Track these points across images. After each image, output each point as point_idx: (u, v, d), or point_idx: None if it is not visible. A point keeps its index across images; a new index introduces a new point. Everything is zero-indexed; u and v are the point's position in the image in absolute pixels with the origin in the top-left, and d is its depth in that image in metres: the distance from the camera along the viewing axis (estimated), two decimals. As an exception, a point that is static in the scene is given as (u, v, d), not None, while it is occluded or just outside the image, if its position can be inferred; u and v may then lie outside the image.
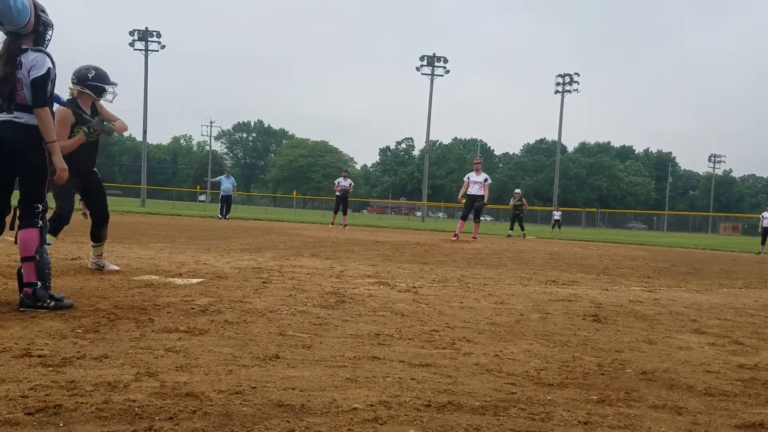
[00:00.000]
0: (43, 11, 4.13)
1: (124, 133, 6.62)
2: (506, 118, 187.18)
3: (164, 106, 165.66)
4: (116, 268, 6.12)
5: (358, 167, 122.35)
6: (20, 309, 3.91)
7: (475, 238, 17.05)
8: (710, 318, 5.18)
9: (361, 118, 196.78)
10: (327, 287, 5.68)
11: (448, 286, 6.39)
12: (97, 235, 6.08)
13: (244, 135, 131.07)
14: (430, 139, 60.11)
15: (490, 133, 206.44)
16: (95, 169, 6.11)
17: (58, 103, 5.44)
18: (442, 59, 56.01)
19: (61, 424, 2.07)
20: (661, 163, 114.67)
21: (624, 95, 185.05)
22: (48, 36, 4.19)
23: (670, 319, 5.01)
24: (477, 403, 2.52)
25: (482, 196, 16.35)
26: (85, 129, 5.61)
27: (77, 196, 6.41)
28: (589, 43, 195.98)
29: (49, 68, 4.03)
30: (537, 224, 57.10)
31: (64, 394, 2.35)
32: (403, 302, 5.07)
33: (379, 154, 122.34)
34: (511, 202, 25.59)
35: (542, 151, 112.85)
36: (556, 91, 60.38)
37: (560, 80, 60.29)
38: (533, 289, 6.51)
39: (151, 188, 62.85)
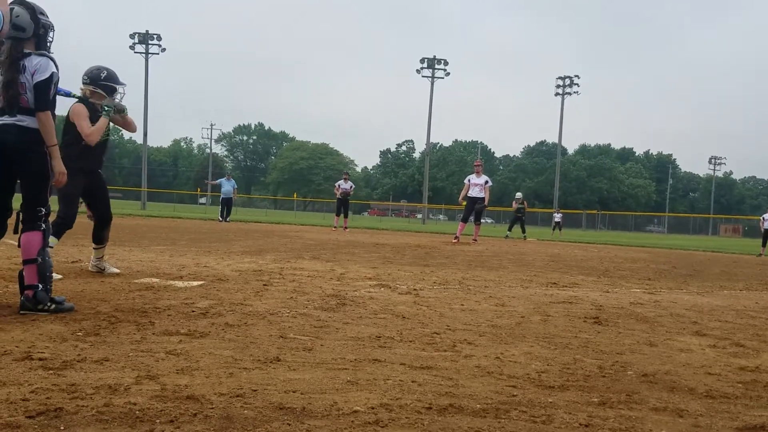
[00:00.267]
0: (42, 14, 4.14)
1: (125, 136, 6.65)
2: (507, 119, 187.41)
3: (164, 109, 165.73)
4: (117, 270, 6.12)
5: (358, 169, 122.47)
6: (21, 312, 3.91)
7: (475, 240, 17.04)
8: (711, 320, 5.17)
9: (362, 120, 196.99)
10: (328, 290, 5.68)
11: (449, 288, 6.39)
12: (99, 236, 6.08)
13: (245, 137, 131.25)
14: (431, 141, 60.11)
15: (490, 135, 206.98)
16: (100, 170, 6.12)
17: (66, 96, 5.48)
18: (443, 61, 56.04)
19: (62, 427, 2.07)
20: (662, 165, 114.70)
21: (624, 97, 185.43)
22: (50, 38, 4.21)
23: (670, 321, 5.01)
24: (478, 405, 2.52)
25: (483, 199, 16.35)
26: (105, 110, 5.63)
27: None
28: (589, 45, 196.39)
29: (52, 72, 4.05)
30: (537, 226, 57.09)
31: (64, 397, 2.35)
32: (403, 305, 5.07)
33: (380, 157, 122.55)
34: (514, 205, 25.62)
35: (543, 153, 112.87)
36: (557, 94, 60.41)
37: (560, 82, 60.33)
38: (534, 291, 6.51)
39: (152, 191, 62.90)
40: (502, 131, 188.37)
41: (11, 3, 4.07)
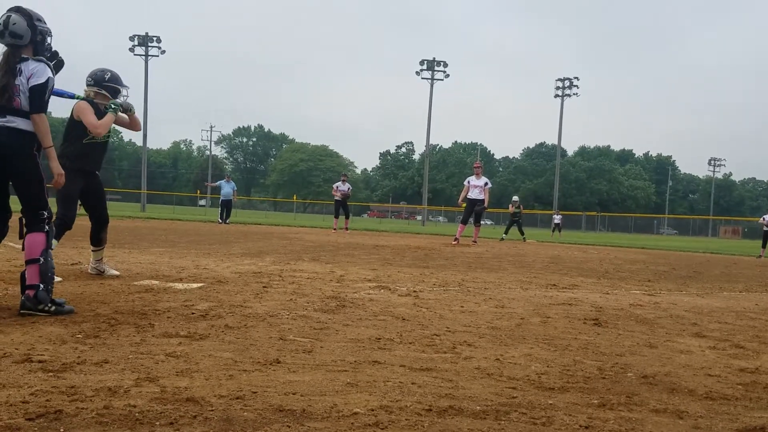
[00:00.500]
0: (40, 20, 4.16)
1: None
2: (506, 121, 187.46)
3: (164, 111, 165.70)
4: (116, 273, 6.12)
5: (358, 171, 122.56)
6: (21, 311, 3.92)
7: (475, 242, 17.05)
8: (711, 322, 5.17)
9: (362, 122, 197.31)
10: (327, 291, 5.68)
11: (449, 290, 6.39)
12: (98, 238, 6.08)
13: (245, 139, 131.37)
14: (430, 143, 60.13)
15: (490, 137, 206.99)
16: (97, 172, 6.12)
17: (70, 98, 5.50)
18: (442, 63, 56.09)
19: (62, 430, 2.07)
20: (661, 167, 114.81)
21: (623, 98, 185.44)
22: (48, 43, 4.23)
23: (670, 322, 5.01)
24: (478, 407, 2.52)
25: (482, 200, 16.35)
26: (112, 107, 5.64)
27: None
28: (588, 46, 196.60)
29: (48, 77, 4.08)
30: (537, 228, 57.10)
31: (64, 400, 2.34)
32: (403, 306, 5.07)
33: (380, 159, 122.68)
34: (511, 208, 25.63)
35: (542, 155, 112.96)
36: (556, 95, 60.50)
37: (560, 84, 60.40)
38: (534, 292, 6.51)
39: (151, 193, 62.89)
40: (502, 133, 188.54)
41: (8, 10, 4.12)
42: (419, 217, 66.42)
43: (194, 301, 4.73)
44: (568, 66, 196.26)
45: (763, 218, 21.63)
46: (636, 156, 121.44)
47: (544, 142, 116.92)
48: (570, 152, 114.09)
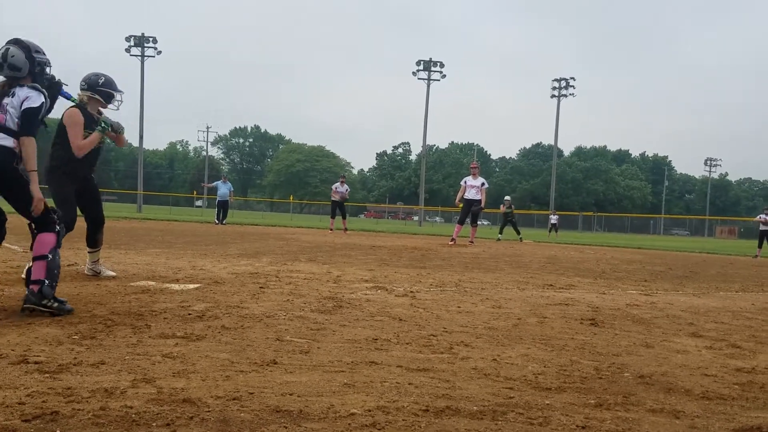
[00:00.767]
0: (38, 51, 4.26)
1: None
2: (503, 122, 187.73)
3: (160, 112, 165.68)
4: (113, 274, 6.11)
5: (354, 172, 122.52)
6: (24, 306, 3.94)
7: (472, 242, 17.05)
8: (707, 321, 5.18)
9: (358, 123, 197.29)
10: (324, 292, 5.67)
11: (446, 290, 6.39)
12: (94, 239, 6.07)
13: (241, 140, 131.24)
14: (427, 143, 60.12)
15: (486, 138, 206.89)
16: (93, 175, 6.11)
17: (66, 98, 5.49)
18: (439, 63, 56.11)
19: (58, 431, 2.07)
20: (658, 167, 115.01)
21: (620, 99, 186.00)
22: (47, 73, 4.32)
23: (667, 322, 5.02)
24: (475, 407, 2.52)
25: (479, 201, 16.36)
26: (101, 126, 5.63)
27: None
28: (584, 47, 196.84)
29: (42, 103, 4.13)
30: (534, 228, 57.15)
31: (60, 401, 2.34)
32: (400, 307, 5.07)
33: (376, 159, 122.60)
34: (502, 208, 25.66)
35: (539, 156, 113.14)
36: (552, 96, 60.61)
37: (556, 84, 60.51)
38: (530, 293, 6.52)
39: (148, 194, 62.83)
40: (499, 133, 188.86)
41: (7, 42, 4.21)
42: (416, 218, 66.51)
43: (191, 302, 4.73)
44: (564, 66, 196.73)
45: (760, 217, 21.67)
46: (632, 156, 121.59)
47: (541, 143, 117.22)
48: (566, 152, 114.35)
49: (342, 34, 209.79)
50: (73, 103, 5.66)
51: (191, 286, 5.64)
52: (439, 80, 56.56)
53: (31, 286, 3.99)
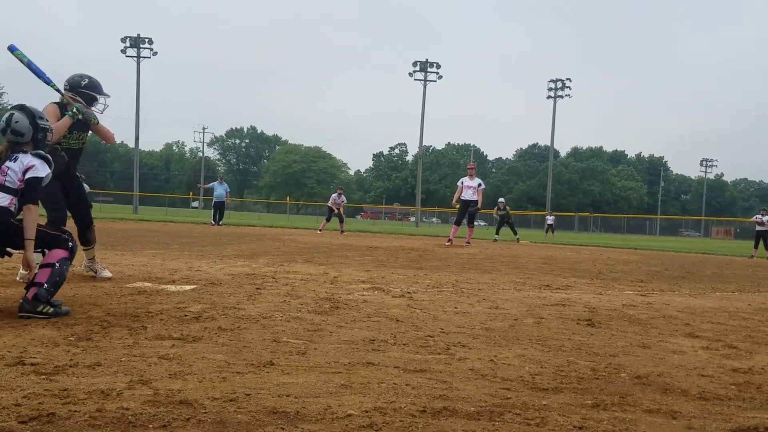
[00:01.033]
0: (42, 118, 4.36)
1: (116, 139, 6.60)
2: (499, 122, 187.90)
3: (156, 113, 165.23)
4: (109, 275, 6.09)
5: (351, 173, 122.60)
6: (20, 314, 3.93)
7: (468, 243, 17.06)
8: (704, 322, 5.19)
9: (355, 124, 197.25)
10: (321, 293, 5.67)
11: (443, 291, 6.39)
12: (84, 239, 6.05)
13: (237, 141, 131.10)
14: (424, 144, 60.20)
15: (483, 138, 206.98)
16: (78, 174, 6.06)
17: (47, 83, 5.50)
18: (435, 64, 56.19)
19: (54, 433, 2.06)
20: (654, 168, 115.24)
21: (616, 100, 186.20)
22: (48, 139, 4.41)
23: (663, 323, 5.02)
24: (472, 408, 2.52)
25: (476, 201, 16.37)
26: (71, 112, 5.61)
27: None
28: (581, 48, 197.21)
29: (48, 173, 4.21)
30: (530, 229, 57.20)
31: (57, 403, 2.33)
32: (397, 308, 5.06)
33: (373, 160, 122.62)
34: (497, 211, 25.70)
35: (535, 156, 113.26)
36: (549, 96, 60.71)
37: (552, 85, 60.62)
38: (527, 293, 6.52)
39: (144, 195, 62.75)
40: (495, 134, 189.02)
41: (12, 108, 4.31)
42: (413, 218, 66.54)
43: (187, 303, 4.72)
44: (561, 67, 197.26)
45: (756, 218, 21.72)
46: (628, 157, 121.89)
47: (537, 143, 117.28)
48: (563, 153, 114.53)
49: (339, 34, 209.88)
50: (56, 100, 5.67)
51: (187, 287, 5.63)
52: (435, 81, 56.73)
53: (31, 288, 3.98)
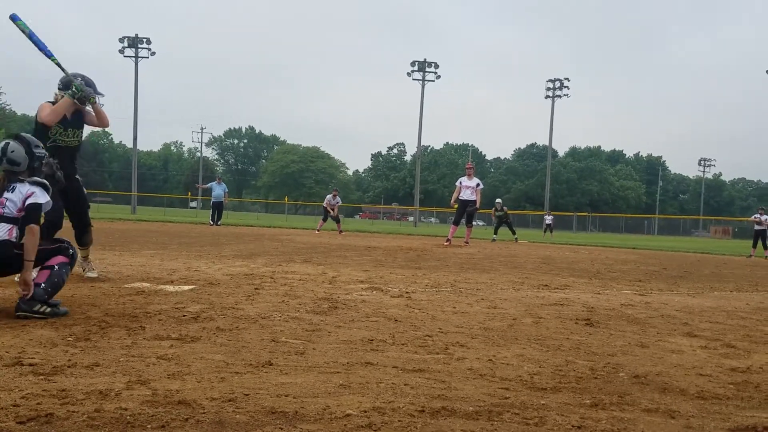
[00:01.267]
0: (38, 146, 4.39)
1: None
2: (497, 122, 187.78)
3: (154, 113, 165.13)
4: (95, 275, 6.05)
5: (350, 173, 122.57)
6: (17, 314, 3.93)
7: (467, 242, 17.06)
8: (702, 321, 5.20)
9: (353, 124, 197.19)
10: (319, 293, 5.67)
11: (441, 291, 6.39)
12: (81, 241, 6.06)
13: (236, 141, 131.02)
14: (422, 144, 60.23)
15: (481, 138, 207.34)
16: (77, 176, 6.05)
17: (47, 56, 5.52)
18: (433, 64, 56.22)
19: (53, 434, 2.06)
20: (652, 167, 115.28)
21: (614, 99, 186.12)
22: (44, 166, 4.44)
23: (662, 322, 5.03)
24: (471, 408, 2.52)
25: (474, 201, 16.37)
26: (71, 91, 5.61)
27: None
28: (579, 48, 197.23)
29: (47, 200, 4.25)
30: (528, 229, 57.22)
31: (55, 403, 2.33)
32: (396, 307, 5.06)
33: (371, 160, 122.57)
34: (494, 212, 25.70)
35: (533, 156, 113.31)
36: (547, 96, 60.75)
37: (550, 85, 60.65)
38: (526, 293, 6.52)
39: (142, 195, 62.69)
40: (493, 134, 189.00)
41: (7, 137, 4.33)
42: (411, 218, 66.55)
43: (185, 304, 4.72)
44: (560, 67, 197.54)
45: (754, 217, 21.75)
46: (626, 156, 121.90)
47: (535, 143, 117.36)
48: (561, 153, 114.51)
49: (339, 35, 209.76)
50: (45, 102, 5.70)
51: (186, 287, 5.63)
52: (433, 81, 56.79)
53: (25, 291, 3.98)
